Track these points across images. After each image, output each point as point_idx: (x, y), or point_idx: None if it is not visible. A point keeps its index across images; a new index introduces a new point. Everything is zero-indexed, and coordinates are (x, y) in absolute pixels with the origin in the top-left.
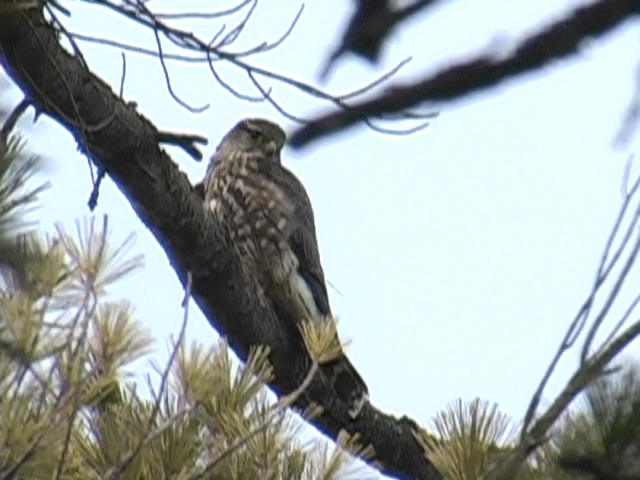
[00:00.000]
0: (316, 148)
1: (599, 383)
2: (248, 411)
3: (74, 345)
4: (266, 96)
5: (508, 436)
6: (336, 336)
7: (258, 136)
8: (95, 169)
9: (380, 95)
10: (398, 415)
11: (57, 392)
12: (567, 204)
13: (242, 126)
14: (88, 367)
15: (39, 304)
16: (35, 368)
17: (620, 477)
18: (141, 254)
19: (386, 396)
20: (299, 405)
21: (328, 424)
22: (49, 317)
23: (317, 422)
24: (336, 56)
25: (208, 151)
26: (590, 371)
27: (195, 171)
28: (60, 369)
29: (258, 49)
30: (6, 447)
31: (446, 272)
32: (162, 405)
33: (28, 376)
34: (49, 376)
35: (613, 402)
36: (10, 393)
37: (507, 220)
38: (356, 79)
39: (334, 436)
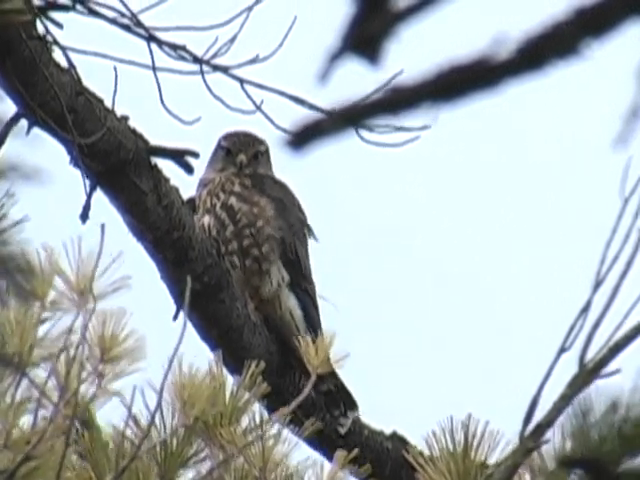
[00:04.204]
0: (313, 151)
1: (580, 412)
2: (244, 425)
3: (72, 351)
4: (258, 108)
5: (501, 453)
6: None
7: (230, 153)
8: (87, 182)
9: (380, 96)
10: (388, 430)
11: (54, 399)
12: (565, 207)
13: (218, 144)
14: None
15: (34, 313)
16: (31, 375)
17: (620, 477)
18: (127, 275)
19: (378, 411)
20: (291, 421)
21: (319, 440)
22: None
23: (307, 438)
24: (336, 57)
25: (200, 165)
26: (588, 374)
27: (186, 185)
28: (57, 375)
29: (251, 61)
30: (5, 449)
31: (444, 276)
32: (157, 419)
33: (24, 383)
34: (45, 382)
35: (596, 431)
36: (8, 398)
37: (504, 223)
38: (349, 90)
39: (324, 451)
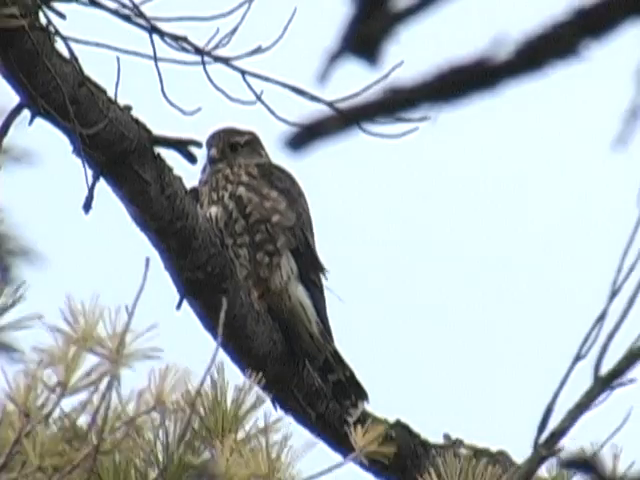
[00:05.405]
0: (313, 150)
1: None
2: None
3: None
4: (259, 99)
5: None
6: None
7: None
8: (90, 173)
9: (379, 97)
10: (391, 419)
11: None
12: (581, 216)
13: None
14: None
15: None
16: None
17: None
18: (159, 347)
19: (382, 400)
20: (295, 410)
21: (322, 427)
22: None
23: (311, 425)
24: (335, 57)
25: (203, 155)
26: (604, 383)
27: (189, 175)
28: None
29: (252, 52)
30: (39, 471)
31: (455, 276)
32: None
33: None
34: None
35: None
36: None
37: (520, 229)
38: (350, 82)
39: (328, 439)
